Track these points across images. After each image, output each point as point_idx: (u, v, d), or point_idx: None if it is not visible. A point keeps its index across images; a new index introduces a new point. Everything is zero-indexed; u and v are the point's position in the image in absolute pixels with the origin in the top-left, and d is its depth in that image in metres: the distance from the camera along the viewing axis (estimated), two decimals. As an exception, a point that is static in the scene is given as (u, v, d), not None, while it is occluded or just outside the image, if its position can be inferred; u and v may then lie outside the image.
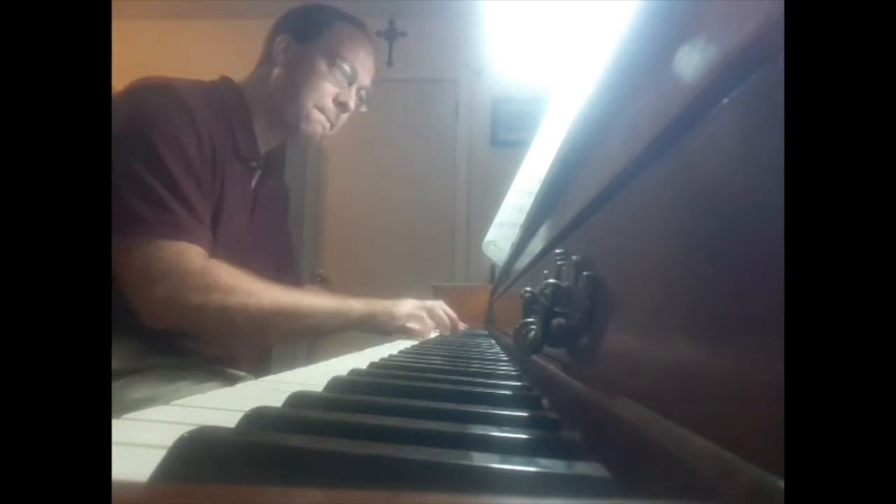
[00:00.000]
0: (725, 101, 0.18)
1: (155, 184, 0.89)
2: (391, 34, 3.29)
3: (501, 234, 1.31)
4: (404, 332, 1.10)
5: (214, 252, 0.98)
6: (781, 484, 0.12)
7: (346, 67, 1.11)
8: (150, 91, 0.96)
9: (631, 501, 0.21)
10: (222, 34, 3.22)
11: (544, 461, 0.22)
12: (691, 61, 0.20)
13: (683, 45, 0.21)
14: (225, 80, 1.11)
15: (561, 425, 0.33)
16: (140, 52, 3.03)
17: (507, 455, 0.23)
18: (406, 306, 1.11)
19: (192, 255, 0.91)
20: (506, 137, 3.12)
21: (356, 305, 1.06)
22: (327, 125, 1.14)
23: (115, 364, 0.91)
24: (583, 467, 0.23)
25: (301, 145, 1.18)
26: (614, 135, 0.31)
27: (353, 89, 1.14)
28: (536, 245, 0.65)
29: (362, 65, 1.14)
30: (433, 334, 1.14)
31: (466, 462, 0.21)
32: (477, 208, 2.99)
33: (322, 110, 1.11)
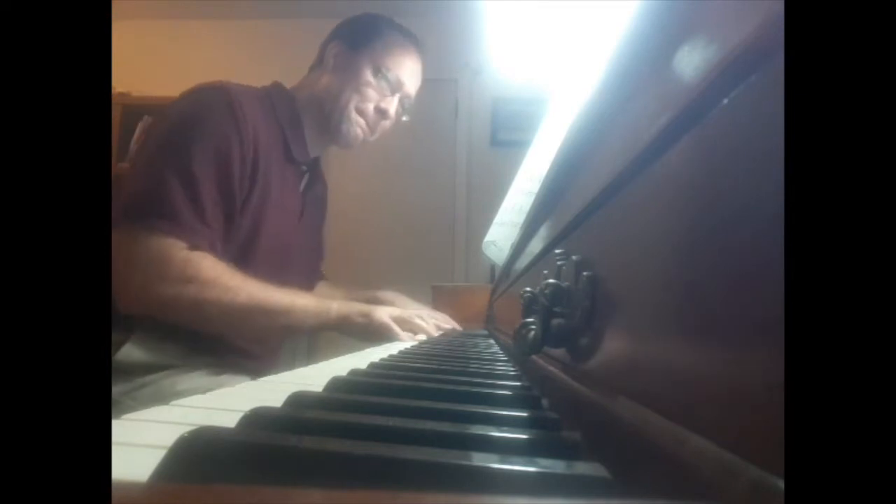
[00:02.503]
0: (725, 101, 0.18)
1: (172, 179, 0.91)
2: (391, 34, 3.29)
3: (501, 234, 1.31)
4: (380, 338, 1.08)
5: (257, 254, 1.01)
6: (781, 484, 0.12)
7: (391, 76, 1.15)
8: (205, 95, 0.99)
9: (631, 501, 0.21)
10: (222, 34, 3.22)
11: (544, 461, 0.22)
12: (691, 61, 0.20)
13: (683, 45, 0.21)
14: (276, 86, 1.15)
15: (561, 425, 0.33)
16: (140, 52, 3.03)
17: (507, 455, 0.23)
18: (383, 312, 1.10)
19: (177, 248, 0.92)
20: (506, 137, 3.12)
21: (334, 306, 1.07)
22: (367, 129, 1.17)
23: (161, 360, 0.94)
24: (583, 467, 0.23)
25: (343, 149, 1.21)
26: (614, 135, 0.31)
27: (396, 98, 1.18)
28: (536, 245, 0.65)
29: (408, 75, 1.19)
30: (420, 337, 1.12)
31: (466, 462, 0.21)
32: (477, 208, 2.99)
33: (362, 114, 1.14)
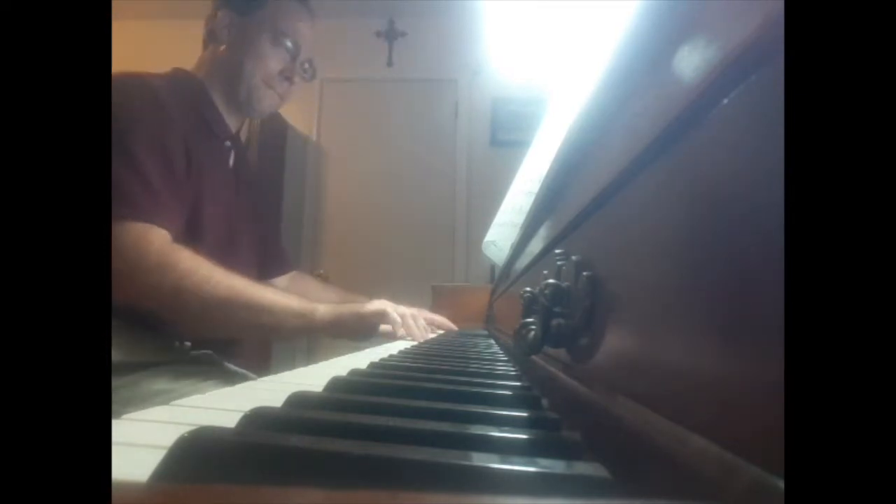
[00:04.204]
0: (725, 101, 0.18)
1: (119, 171, 0.89)
2: (391, 34, 3.29)
3: (501, 234, 1.31)
4: (374, 335, 1.06)
5: (202, 234, 0.99)
6: (781, 484, 0.12)
7: (289, 43, 1.13)
8: (119, 84, 0.97)
9: (631, 501, 0.21)
10: (222, 34, 3.21)
11: (544, 461, 0.22)
12: (691, 61, 0.20)
13: (683, 45, 0.21)
14: (178, 70, 1.13)
15: (561, 425, 0.33)
16: (140, 52, 3.03)
17: (507, 455, 0.23)
18: (375, 306, 1.07)
19: (153, 236, 0.91)
20: (506, 137, 3.12)
21: (321, 309, 1.02)
22: (277, 99, 1.16)
23: (135, 358, 0.93)
24: (583, 467, 0.23)
25: (257, 119, 1.20)
26: (614, 135, 0.31)
27: (297, 63, 1.16)
28: (536, 245, 0.65)
29: (303, 38, 1.16)
30: (407, 339, 1.09)
31: (466, 462, 0.21)
32: (477, 208, 2.99)
33: (269, 83, 1.13)
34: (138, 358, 0.94)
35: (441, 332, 1.33)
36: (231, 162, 1.16)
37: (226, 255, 1.01)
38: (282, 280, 1.35)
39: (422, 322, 1.16)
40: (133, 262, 0.89)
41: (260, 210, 1.29)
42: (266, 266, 1.28)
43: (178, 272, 0.91)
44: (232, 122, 1.16)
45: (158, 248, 0.91)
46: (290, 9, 1.16)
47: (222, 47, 1.13)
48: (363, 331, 1.06)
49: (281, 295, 1.01)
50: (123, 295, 0.91)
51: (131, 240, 0.89)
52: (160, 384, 0.93)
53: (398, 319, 1.07)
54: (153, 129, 0.94)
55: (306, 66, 1.19)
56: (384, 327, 1.08)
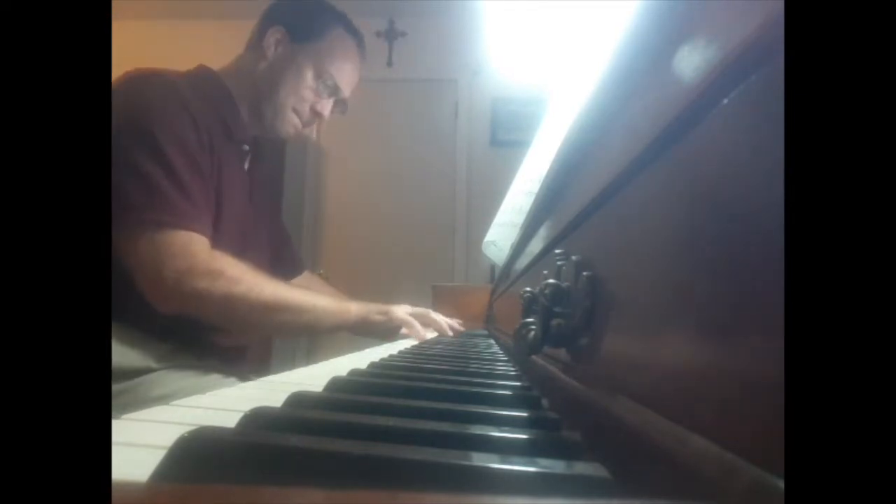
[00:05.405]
0: (725, 101, 0.18)
1: (155, 173, 0.89)
2: (391, 34, 3.29)
3: (501, 234, 1.31)
4: (397, 336, 1.12)
5: (218, 235, 1.00)
6: (781, 484, 0.12)
7: (330, 83, 1.13)
8: (143, 82, 0.97)
9: (631, 501, 0.21)
10: (222, 34, 3.22)
11: (544, 461, 0.22)
12: (691, 61, 0.20)
13: (683, 45, 0.21)
14: (202, 69, 1.12)
15: (561, 425, 0.33)
16: (140, 52, 3.03)
17: (507, 455, 0.23)
18: (400, 311, 1.14)
19: (197, 244, 0.92)
20: (506, 137, 3.12)
21: (353, 307, 1.08)
22: (300, 127, 1.16)
23: (138, 363, 0.93)
24: (583, 467, 0.23)
25: (273, 139, 1.19)
26: (614, 135, 0.31)
27: (332, 101, 1.16)
28: (536, 245, 0.65)
29: (346, 79, 1.16)
30: (429, 335, 1.15)
31: (466, 462, 0.21)
32: (477, 208, 2.99)
33: (298, 114, 1.13)
34: (141, 364, 0.94)
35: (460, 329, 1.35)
36: (246, 165, 1.15)
37: (240, 258, 1.02)
38: (295, 282, 1.35)
39: (441, 316, 1.23)
40: (182, 271, 0.90)
41: (272, 217, 1.29)
42: (279, 268, 1.28)
43: (226, 280, 0.93)
44: (253, 128, 1.15)
45: (204, 256, 0.93)
46: (345, 48, 1.14)
47: (265, 63, 1.10)
48: (387, 332, 1.12)
49: (317, 296, 1.07)
50: (179, 303, 0.93)
51: (177, 248, 0.90)
52: (162, 389, 0.93)
53: (422, 333, 1.13)
54: (181, 129, 0.94)
55: (340, 105, 1.18)
56: (405, 331, 1.13)
